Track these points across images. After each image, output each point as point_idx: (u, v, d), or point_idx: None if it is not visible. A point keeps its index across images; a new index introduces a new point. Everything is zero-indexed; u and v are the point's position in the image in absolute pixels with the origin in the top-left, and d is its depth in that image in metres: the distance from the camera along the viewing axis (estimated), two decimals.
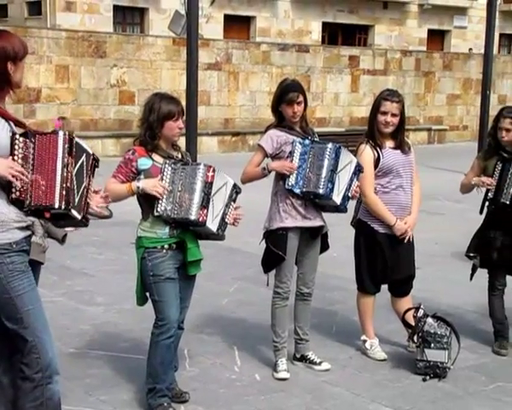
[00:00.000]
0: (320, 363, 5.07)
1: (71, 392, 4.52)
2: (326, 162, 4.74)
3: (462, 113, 24.61)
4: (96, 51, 17.68)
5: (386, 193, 5.15)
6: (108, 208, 9.90)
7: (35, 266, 3.64)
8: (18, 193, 3.38)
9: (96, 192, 3.72)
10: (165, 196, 4.13)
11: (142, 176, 4.19)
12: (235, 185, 4.33)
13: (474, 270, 5.58)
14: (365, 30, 27.33)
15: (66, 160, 3.39)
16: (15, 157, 3.37)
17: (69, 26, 19.66)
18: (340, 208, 4.88)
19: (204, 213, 4.12)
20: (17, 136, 3.41)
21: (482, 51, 17.23)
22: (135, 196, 4.24)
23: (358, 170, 4.90)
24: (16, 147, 3.39)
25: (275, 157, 4.89)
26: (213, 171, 4.18)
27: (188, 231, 4.26)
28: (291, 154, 4.80)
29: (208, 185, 4.14)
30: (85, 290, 6.83)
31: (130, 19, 23.17)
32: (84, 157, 3.55)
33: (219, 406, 4.51)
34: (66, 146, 3.40)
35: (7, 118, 3.46)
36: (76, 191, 3.48)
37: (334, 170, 4.74)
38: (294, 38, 24.70)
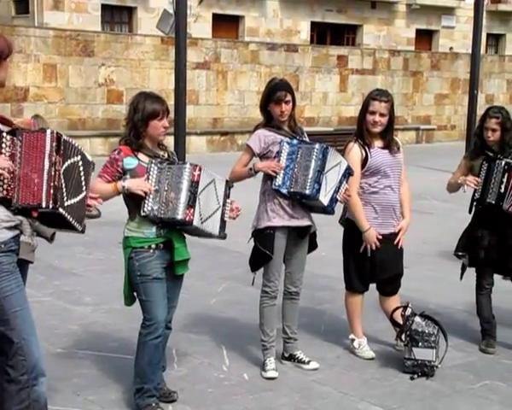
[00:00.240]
0: (308, 362, 5.08)
1: (58, 392, 4.51)
2: (313, 163, 4.74)
3: (449, 112, 24.70)
4: (83, 50, 17.63)
5: (374, 193, 5.16)
6: (97, 208, 9.89)
7: (23, 265, 3.62)
8: (5, 192, 3.36)
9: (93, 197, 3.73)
10: (151, 196, 4.13)
11: (127, 176, 4.18)
12: (227, 182, 4.34)
13: (463, 269, 5.60)
14: (354, 30, 27.38)
15: (53, 158, 3.37)
16: (2, 155, 3.35)
17: (57, 25, 19.58)
18: (328, 210, 4.88)
19: (191, 212, 4.11)
20: (4, 134, 3.39)
21: (470, 51, 17.30)
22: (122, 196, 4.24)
23: (348, 173, 4.91)
24: (3, 145, 3.37)
25: (262, 157, 4.90)
26: (199, 170, 4.17)
27: (175, 231, 4.26)
28: (278, 154, 4.80)
29: (195, 184, 4.13)
30: (73, 290, 6.81)
31: (118, 18, 23.10)
32: (78, 158, 3.53)
33: (208, 405, 4.51)
34: (54, 144, 3.38)
35: None
36: (69, 192, 3.46)
37: (320, 171, 4.75)
38: (283, 38, 24.71)
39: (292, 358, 5.13)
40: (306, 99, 21.35)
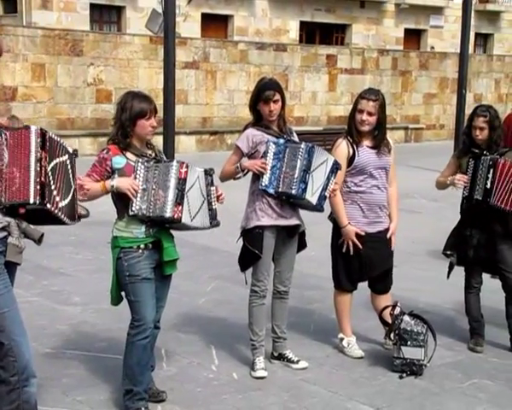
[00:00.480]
0: (297, 361, 5.09)
1: (47, 393, 4.50)
2: (298, 163, 4.75)
3: (438, 112, 24.78)
4: (72, 50, 17.57)
5: (360, 192, 5.16)
6: (85, 208, 9.84)
7: (11, 266, 3.60)
8: None
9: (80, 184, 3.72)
10: (139, 195, 4.12)
11: (116, 175, 4.17)
12: (205, 171, 4.32)
13: (450, 268, 5.62)
14: (342, 29, 27.42)
15: (39, 154, 3.36)
16: None
17: (45, 24, 19.50)
18: (317, 208, 4.90)
19: (179, 209, 4.11)
20: None
21: (458, 51, 17.36)
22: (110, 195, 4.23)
23: (336, 168, 4.91)
24: None
25: (250, 156, 4.90)
26: (186, 167, 4.17)
27: (164, 231, 4.25)
28: (265, 154, 4.81)
29: (182, 182, 4.13)
30: (62, 290, 6.79)
31: (107, 17, 23.04)
32: (65, 157, 3.52)
33: (197, 405, 4.50)
34: (39, 140, 3.37)
35: None
36: (61, 192, 3.45)
37: (306, 170, 4.75)
38: (272, 37, 24.71)
39: (281, 357, 5.14)
40: (295, 98, 21.36)
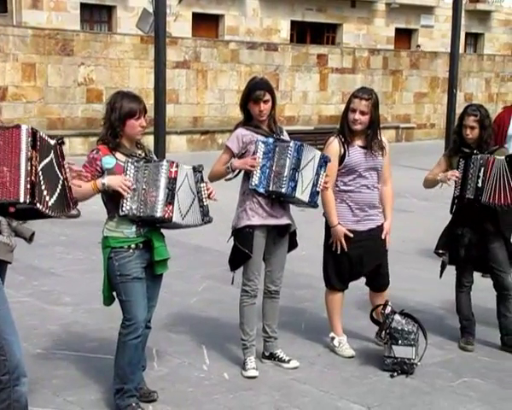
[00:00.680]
0: (289, 361, 5.09)
1: (38, 393, 4.48)
2: (288, 161, 4.75)
3: (429, 111, 24.85)
4: (63, 49, 17.52)
5: (349, 191, 5.16)
6: (76, 208, 9.83)
7: (1, 265, 3.60)
8: None
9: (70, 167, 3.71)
10: (129, 195, 4.11)
11: (105, 175, 4.16)
12: (194, 168, 4.32)
13: (443, 267, 5.63)
14: (333, 28, 27.46)
15: (29, 153, 3.35)
16: None
17: (35, 24, 19.45)
18: (311, 204, 4.90)
19: (170, 209, 4.11)
20: None
21: (448, 50, 17.41)
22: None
23: (324, 161, 4.91)
24: None
25: (240, 157, 4.90)
26: (176, 166, 4.17)
27: (155, 230, 4.25)
28: (254, 153, 4.80)
29: (172, 181, 4.13)
30: (53, 290, 6.77)
31: (97, 17, 23.01)
32: (52, 154, 3.51)
33: (188, 405, 4.50)
34: (30, 139, 3.37)
35: None
36: (49, 189, 3.44)
37: (296, 168, 4.76)
38: (263, 37, 24.73)
39: (272, 357, 5.14)
40: (286, 98, 21.38)
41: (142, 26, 18.64)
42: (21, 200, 3.33)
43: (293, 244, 5.14)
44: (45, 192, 3.42)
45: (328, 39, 27.27)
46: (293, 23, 26.33)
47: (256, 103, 4.81)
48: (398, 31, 28.61)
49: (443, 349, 5.49)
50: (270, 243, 4.97)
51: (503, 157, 5.26)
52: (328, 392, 4.72)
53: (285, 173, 4.75)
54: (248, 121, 4.92)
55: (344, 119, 5.17)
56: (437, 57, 25.01)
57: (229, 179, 4.99)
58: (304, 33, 26.95)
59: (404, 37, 29.07)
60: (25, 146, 3.35)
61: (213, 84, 20.04)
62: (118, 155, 4.20)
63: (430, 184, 5.61)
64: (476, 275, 5.70)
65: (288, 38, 26.00)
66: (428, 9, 29.07)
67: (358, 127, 5.11)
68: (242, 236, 4.89)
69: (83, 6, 21.99)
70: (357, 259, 5.22)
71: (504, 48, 31.53)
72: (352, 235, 5.14)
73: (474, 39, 31.62)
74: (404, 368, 4.97)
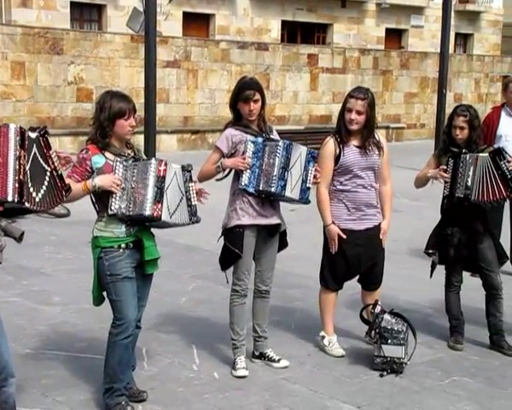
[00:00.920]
0: (279, 360, 5.09)
1: (26, 393, 4.47)
2: (277, 160, 4.76)
3: (419, 111, 24.90)
4: (52, 48, 17.46)
5: (345, 191, 5.17)
6: (66, 207, 9.81)
7: None
8: None
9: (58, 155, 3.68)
10: (118, 194, 4.10)
11: (95, 174, 4.15)
12: (183, 167, 4.31)
13: (433, 267, 5.64)
14: (324, 28, 27.47)
15: (18, 152, 3.34)
16: None
17: (25, 22, 19.34)
18: (302, 201, 4.91)
19: (158, 207, 4.10)
20: None
21: (438, 50, 17.45)
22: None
23: (312, 156, 4.92)
24: None
25: (230, 156, 4.89)
26: (165, 165, 4.16)
27: (145, 230, 4.24)
28: (244, 153, 4.80)
29: (161, 179, 4.12)
30: (42, 290, 6.74)
31: (87, 15, 22.91)
32: (34, 148, 3.50)
33: (178, 405, 4.49)
34: (18, 138, 3.36)
35: None
36: (35, 184, 3.42)
37: (285, 167, 4.76)
38: (253, 37, 24.70)
39: (262, 356, 5.14)
40: (277, 98, 21.38)
41: (133, 25, 18.60)
42: (9, 199, 3.32)
43: (283, 244, 5.14)
44: (32, 189, 3.41)
45: (319, 39, 27.28)
46: (283, 23, 26.32)
47: (246, 103, 4.81)
48: (388, 31, 28.64)
49: (432, 348, 5.51)
50: (260, 243, 4.97)
51: (487, 154, 5.30)
52: (318, 391, 4.72)
53: (274, 173, 4.75)
54: (238, 121, 4.92)
55: (340, 119, 5.18)
56: (427, 57, 25.07)
57: (220, 179, 4.98)
58: (294, 33, 26.95)
59: (394, 37, 29.11)
60: (13, 145, 3.34)
61: (204, 83, 20.02)
62: (107, 154, 4.19)
63: (421, 182, 5.64)
64: (465, 275, 5.72)
65: (279, 37, 25.99)
66: (418, 10, 29.12)
67: (355, 127, 5.12)
68: (232, 235, 4.88)
69: (73, 4, 21.90)
70: (354, 260, 5.23)
71: (493, 48, 31.64)
72: (344, 236, 5.15)
73: (464, 40, 31.70)
74: (393, 367, 4.98)
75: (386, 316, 5.07)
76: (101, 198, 4.16)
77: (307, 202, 4.95)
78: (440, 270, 5.64)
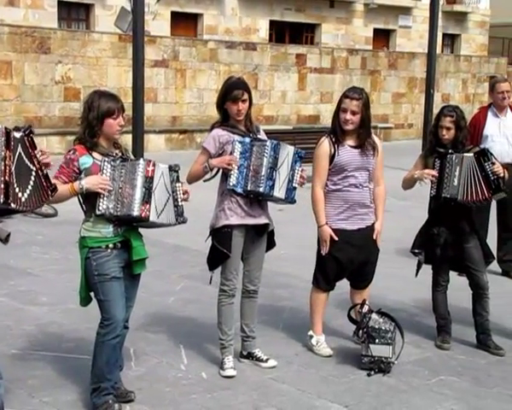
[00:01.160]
0: (267, 360, 5.09)
1: (13, 394, 4.45)
2: (265, 160, 4.76)
3: (407, 111, 24.98)
4: (40, 47, 17.39)
5: (338, 190, 5.17)
6: (53, 207, 9.77)
7: None
8: None
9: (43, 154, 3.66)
10: (106, 195, 4.09)
11: (83, 175, 4.14)
12: (170, 167, 4.31)
13: (419, 266, 5.66)
14: (312, 28, 27.49)
15: (3, 153, 3.33)
16: None
17: (12, 21, 19.24)
18: (288, 200, 4.91)
19: (146, 208, 4.09)
20: None
21: (426, 51, 17.51)
22: None
23: (299, 156, 4.93)
24: None
25: (218, 157, 4.89)
26: (153, 165, 4.16)
27: (132, 230, 4.23)
28: (231, 153, 4.80)
29: (149, 180, 4.12)
30: (29, 290, 6.71)
31: (75, 15, 22.82)
32: (19, 148, 3.48)
33: (165, 405, 4.49)
34: (3, 139, 3.35)
35: None
36: (20, 185, 3.41)
37: (273, 167, 4.77)
38: (242, 36, 24.69)
39: (250, 356, 5.14)
40: (265, 97, 21.39)
41: (121, 25, 18.55)
42: None
43: (271, 244, 5.14)
44: (17, 189, 3.40)
45: (307, 39, 27.30)
46: (271, 23, 26.32)
47: (234, 103, 4.81)
48: (376, 31, 28.72)
49: (419, 348, 5.53)
50: (248, 243, 4.97)
51: (472, 154, 5.33)
52: (306, 391, 4.73)
53: (262, 173, 4.75)
54: (225, 121, 4.92)
55: (335, 119, 5.19)
56: (415, 58, 25.16)
57: (208, 180, 4.98)
58: (283, 33, 26.96)
59: (382, 37, 29.18)
60: None
61: (192, 83, 20.00)
62: (95, 154, 4.17)
63: (408, 184, 5.65)
64: (452, 274, 5.74)
65: (267, 37, 26.00)
66: (406, 10, 29.20)
67: (350, 127, 5.13)
68: (221, 235, 4.88)
69: (60, 4, 21.81)
70: (347, 262, 5.24)
71: (481, 49, 31.79)
72: (336, 238, 5.15)
73: (451, 40, 31.83)
74: (381, 367, 5.00)
75: (374, 315, 5.08)
76: (89, 198, 4.14)
77: (293, 201, 4.96)
78: (427, 270, 5.67)
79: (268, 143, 4.80)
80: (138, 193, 4.09)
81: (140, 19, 12.57)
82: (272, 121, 21.38)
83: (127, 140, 12.36)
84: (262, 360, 5.09)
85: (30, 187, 3.50)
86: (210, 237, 4.99)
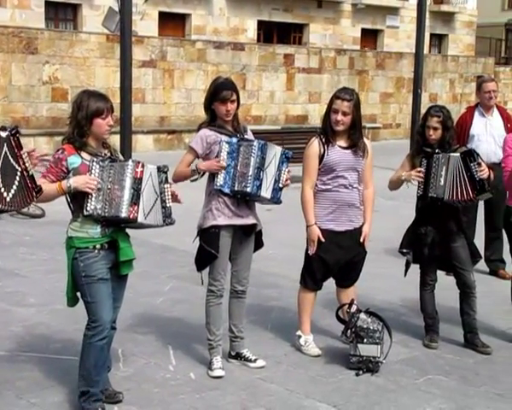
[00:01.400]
0: (255, 360, 5.09)
1: (0, 396, 4.43)
2: (252, 160, 4.76)
3: (394, 111, 25.07)
4: (27, 47, 17.32)
5: (327, 190, 5.18)
6: (40, 208, 9.74)
7: None
8: None
9: (30, 155, 3.64)
10: (94, 195, 4.08)
11: (71, 174, 4.12)
12: (159, 168, 4.29)
13: (407, 266, 5.68)
14: (300, 28, 27.54)
15: None
16: None
17: None
18: (273, 201, 4.92)
19: (135, 209, 4.08)
20: None
21: (413, 51, 17.57)
22: None
23: (286, 157, 4.93)
24: None
25: (205, 157, 4.89)
26: (142, 166, 4.15)
27: (120, 231, 4.22)
28: (219, 154, 4.80)
29: (138, 181, 4.11)
30: (17, 291, 6.68)
31: (62, 15, 22.75)
32: (4, 148, 3.46)
33: (154, 405, 4.48)
34: None
35: None
36: (6, 185, 3.39)
37: (260, 167, 4.77)
38: (230, 36, 24.70)
39: (238, 356, 5.14)
40: (253, 97, 21.40)
41: (108, 25, 18.52)
42: None
43: (259, 244, 5.14)
44: (2, 189, 3.38)
45: (295, 39, 27.34)
46: (259, 23, 26.34)
47: (223, 103, 4.80)
48: (364, 31, 28.79)
49: (407, 347, 5.54)
50: (236, 243, 4.97)
51: (458, 154, 5.35)
52: (295, 391, 4.73)
53: (250, 173, 4.75)
54: (212, 121, 4.91)
55: (326, 119, 5.19)
56: (402, 58, 25.24)
57: (195, 180, 4.96)
58: (271, 33, 26.99)
59: (370, 37, 29.27)
60: None
61: (180, 83, 19.98)
62: (83, 154, 4.16)
63: (395, 185, 5.66)
64: (440, 273, 5.76)
65: (255, 37, 26.02)
66: (394, 10, 29.29)
67: (341, 128, 5.13)
68: (208, 236, 4.88)
69: (47, 4, 21.74)
70: (334, 264, 5.25)
71: (468, 49, 31.93)
72: (323, 239, 5.16)
73: (439, 40, 31.96)
74: (369, 366, 5.01)
75: (362, 315, 5.09)
76: (77, 198, 4.13)
77: (279, 202, 4.96)
78: (415, 269, 5.68)
79: (255, 143, 4.80)
80: (127, 194, 4.08)
81: (128, 19, 12.54)
82: (260, 121, 21.39)
83: (115, 140, 12.33)
84: (250, 361, 5.09)
85: (15, 187, 3.49)
86: (197, 238, 4.99)
